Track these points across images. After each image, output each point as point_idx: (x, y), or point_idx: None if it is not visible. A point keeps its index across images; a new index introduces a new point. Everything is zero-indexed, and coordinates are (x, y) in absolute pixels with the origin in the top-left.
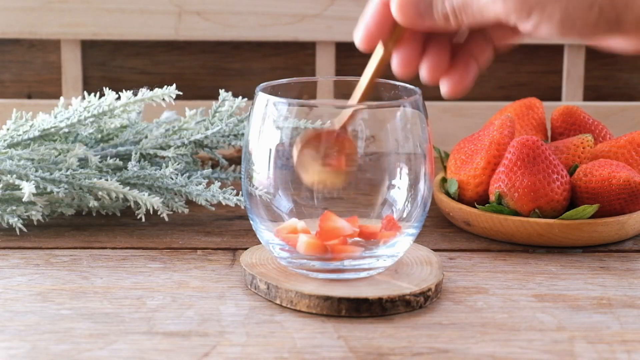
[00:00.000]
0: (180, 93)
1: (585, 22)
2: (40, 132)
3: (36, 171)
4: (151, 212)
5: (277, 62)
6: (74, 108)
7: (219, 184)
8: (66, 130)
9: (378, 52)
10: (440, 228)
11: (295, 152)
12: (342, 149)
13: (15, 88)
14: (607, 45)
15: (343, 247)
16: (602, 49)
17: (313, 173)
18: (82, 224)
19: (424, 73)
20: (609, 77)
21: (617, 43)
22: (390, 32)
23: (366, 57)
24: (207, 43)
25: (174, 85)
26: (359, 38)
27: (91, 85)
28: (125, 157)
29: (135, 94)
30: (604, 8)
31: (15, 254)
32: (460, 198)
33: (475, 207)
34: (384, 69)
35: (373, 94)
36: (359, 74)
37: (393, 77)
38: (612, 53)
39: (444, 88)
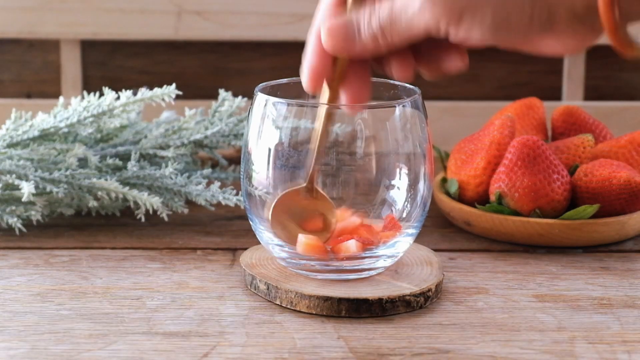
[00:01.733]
0: (180, 93)
1: (518, 22)
2: (39, 132)
3: (35, 171)
4: (151, 212)
5: (277, 62)
6: (74, 108)
7: (219, 184)
8: (66, 130)
9: (325, 92)
10: (440, 228)
11: (268, 216)
12: (316, 209)
13: (14, 88)
14: (540, 49)
15: (344, 247)
16: (536, 53)
17: (291, 237)
18: (81, 224)
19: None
20: (610, 77)
21: (550, 45)
22: (333, 67)
23: None
24: (207, 43)
25: (174, 85)
26: (305, 81)
27: (91, 85)
28: (125, 157)
29: (134, 94)
30: (535, 4)
31: (15, 254)
32: (460, 198)
33: (475, 207)
34: (335, 104)
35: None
36: (317, 112)
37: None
38: (545, 56)
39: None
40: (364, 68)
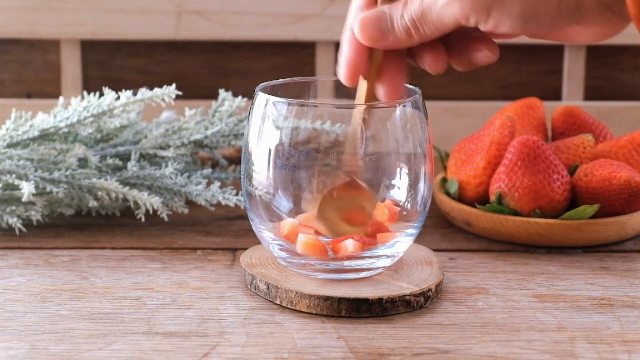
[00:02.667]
0: (180, 93)
1: (546, 12)
2: (39, 132)
3: (36, 171)
4: (151, 212)
5: (277, 62)
6: (74, 108)
7: (219, 183)
8: (66, 130)
9: (362, 86)
10: (440, 228)
11: (314, 210)
12: (361, 204)
13: (14, 88)
14: (570, 38)
15: (342, 246)
16: (567, 42)
17: (335, 230)
18: (81, 224)
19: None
20: (610, 77)
21: (580, 34)
22: (369, 61)
23: None
24: (207, 43)
25: (174, 85)
26: (342, 75)
27: (91, 85)
28: (125, 157)
29: (134, 94)
30: None
31: (15, 254)
32: (460, 198)
33: (475, 207)
34: (372, 99)
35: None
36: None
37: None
38: (578, 44)
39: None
40: (399, 61)
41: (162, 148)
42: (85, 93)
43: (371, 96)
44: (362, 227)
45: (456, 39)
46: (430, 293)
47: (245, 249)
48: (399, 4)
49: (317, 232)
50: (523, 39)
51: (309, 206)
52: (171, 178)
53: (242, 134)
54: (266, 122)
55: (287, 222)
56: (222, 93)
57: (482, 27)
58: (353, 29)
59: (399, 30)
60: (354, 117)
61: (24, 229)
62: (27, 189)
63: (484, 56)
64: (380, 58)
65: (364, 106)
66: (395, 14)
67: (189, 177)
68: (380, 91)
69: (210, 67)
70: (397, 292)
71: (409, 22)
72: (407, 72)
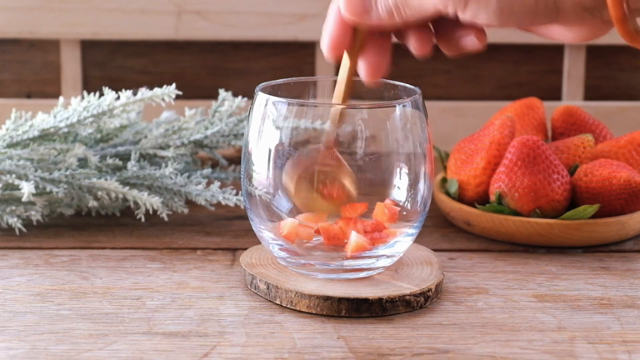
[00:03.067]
0: (180, 93)
1: (522, 9)
2: (39, 132)
3: (35, 171)
4: (151, 212)
5: (277, 62)
6: (74, 108)
7: (219, 183)
8: (66, 130)
9: (345, 62)
10: (440, 228)
11: (290, 183)
12: (335, 173)
13: (14, 88)
14: (550, 35)
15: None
16: (549, 39)
17: (310, 204)
18: (81, 224)
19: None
20: (610, 77)
21: (559, 32)
22: (353, 38)
23: None
24: (207, 43)
25: (174, 85)
26: (325, 48)
27: (91, 85)
28: (125, 157)
29: (134, 94)
30: None
31: (15, 254)
32: (460, 198)
33: (475, 207)
34: (353, 76)
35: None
36: (359, 74)
37: (392, 77)
38: (559, 42)
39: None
40: (384, 41)
41: (162, 148)
42: (85, 93)
43: (353, 73)
44: (339, 204)
45: (445, 23)
46: (430, 293)
47: (245, 249)
48: None
49: (317, 231)
50: (523, 39)
51: (288, 181)
52: (171, 178)
53: (242, 134)
54: (266, 122)
55: (287, 222)
56: (222, 93)
57: (461, 17)
58: (338, 4)
59: (382, 10)
60: (335, 94)
61: (24, 229)
62: (27, 189)
63: (472, 42)
64: (364, 35)
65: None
66: None
67: (189, 177)
68: (362, 68)
69: (210, 67)
70: (397, 292)
71: (392, 4)
72: (391, 53)
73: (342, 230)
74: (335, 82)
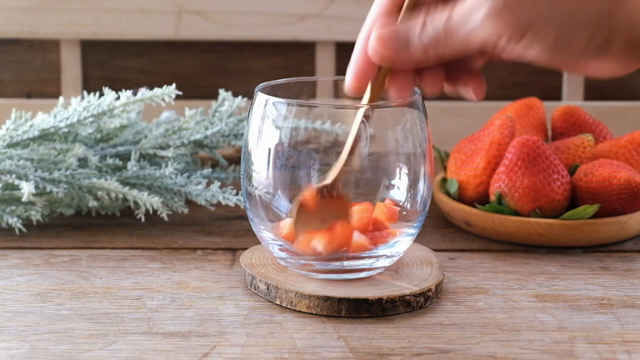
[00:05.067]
0: (180, 93)
1: (577, 43)
2: (39, 132)
3: (35, 171)
4: (151, 212)
5: (277, 62)
6: (74, 108)
7: (219, 183)
8: (66, 130)
9: (366, 94)
10: (440, 228)
11: (293, 214)
12: (339, 211)
13: (14, 88)
14: (585, 71)
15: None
16: (578, 74)
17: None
18: (81, 224)
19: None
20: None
21: (597, 67)
22: (377, 73)
23: None
24: (207, 43)
25: (174, 85)
26: (348, 83)
27: (91, 85)
28: (125, 157)
29: (134, 94)
30: (598, 27)
31: (15, 254)
32: (460, 198)
33: (475, 207)
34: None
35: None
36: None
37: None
38: (590, 77)
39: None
40: (409, 70)
41: (162, 148)
42: (85, 93)
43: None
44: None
45: (451, 67)
46: (430, 293)
47: (245, 249)
48: (419, 22)
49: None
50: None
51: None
52: (171, 178)
53: (242, 134)
54: (266, 122)
55: (287, 222)
56: (222, 93)
57: (507, 53)
58: (368, 43)
59: (415, 51)
60: (354, 118)
61: (24, 229)
62: (27, 189)
63: (469, 95)
64: (387, 71)
65: (366, 107)
66: (412, 32)
67: (189, 177)
68: (391, 94)
69: (210, 67)
70: (397, 292)
71: (428, 41)
72: (414, 75)
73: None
74: (335, 82)
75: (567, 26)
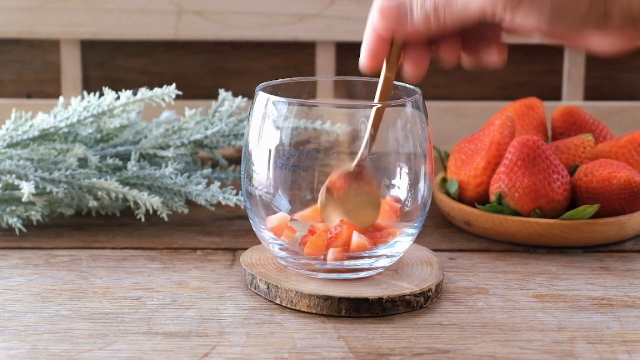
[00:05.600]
0: (180, 93)
1: (575, 14)
2: (39, 132)
3: (35, 171)
4: (151, 212)
5: (277, 62)
6: (74, 108)
7: (219, 183)
8: (66, 130)
9: (383, 73)
10: (440, 228)
11: (321, 198)
12: (367, 195)
13: (14, 88)
14: (588, 45)
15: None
16: (582, 50)
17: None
18: (81, 224)
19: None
20: (610, 77)
21: (598, 42)
22: (390, 49)
23: None
24: (207, 43)
25: (174, 85)
26: (363, 61)
27: (91, 85)
28: (125, 157)
29: (134, 94)
30: (595, 0)
31: (15, 254)
32: (460, 198)
33: (475, 207)
34: (391, 88)
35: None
36: (359, 74)
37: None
38: (593, 54)
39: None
40: (422, 44)
41: (162, 148)
42: (85, 93)
43: (389, 86)
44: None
45: (470, 37)
46: (430, 293)
47: (245, 249)
48: None
49: (311, 231)
50: (523, 39)
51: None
52: (171, 178)
53: (242, 134)
54: (266, 122)
55: (277, 216)
56: (222, 93)
57: (507, 23)
58: (373, 15)
59: (417, 19)
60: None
61: (24, 229)
62: (27, 189)
63: (492, 59)
64: (400, 47)
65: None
66: (414, 3)
67: (189, 177)
68: (406, 69)
69: (210, 67)
70: (397, 292)
71: (429, 10)
72: (429, 53)
73: (323, 242)
74: (335, 82)
75: None
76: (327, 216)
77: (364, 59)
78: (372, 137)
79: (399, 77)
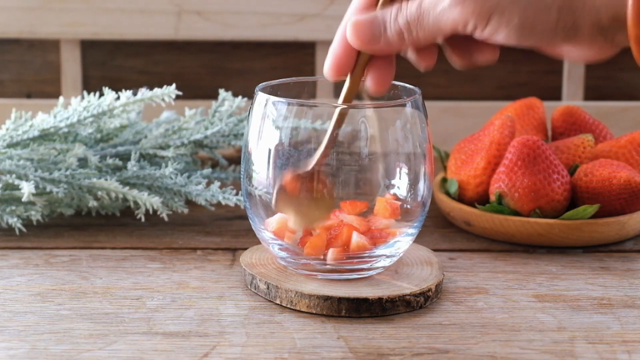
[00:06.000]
0: (180, 93)
1: (543, 27)
2: (39, 132)
3: (35, 171)
4: (151, 212)
5: (277, 62)
6: (74, 108)
7: (219, 183)
8: (66, 130)
9: (346, 83)
10: (440, 228)
11: (274, 197)
12: (318, 193)
13: (14, 88)
14: (560, 54)
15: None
16: (556, 57)
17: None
18: (81, 224)
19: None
20: (610, 77)
21: (571, 52)
22: (356, 61)
23: None
24: (207, 43)
25: (174, 85)
26: (327, 70)
27: (91, 85)
28: (125, 157)
29: (134, 94)
30: (562, 11)
31: (15, 254)
32: (460, 198)
33: (475, 207)
34: (352, 98)
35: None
36: (337, 98)
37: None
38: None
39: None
40: (389, 58)
41: (162, 148)
42: (85, 93)
43: (351, 95)
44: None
45: (459, 39)
46: (430, 293)
47: (245, 249)
48: (393, 8)
49: (307, 231)
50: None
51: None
52: (171, 178)
53: (242, 134)
54: (266, 122)
55: (275, 218)
56: (222, 93)
57: (477, 34)
58: (346, 30)
59: (391, 34)
60: (333, 116)
61: (24, 229)
62: (27, 189)
63: (484, 58)
64: (367, 59)
65: (345, 106)
66: (388, 18)
67: (189, 177)
68: (368, 82)
69: (210, 67)
70: (397, 292)
71: (402, 26)
72: (395, 68)
73: (323, 242)
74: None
75: (531, 11)
76: (280, 212)
77: (328, 68)
78: (333, 139)
79: (359, 91)
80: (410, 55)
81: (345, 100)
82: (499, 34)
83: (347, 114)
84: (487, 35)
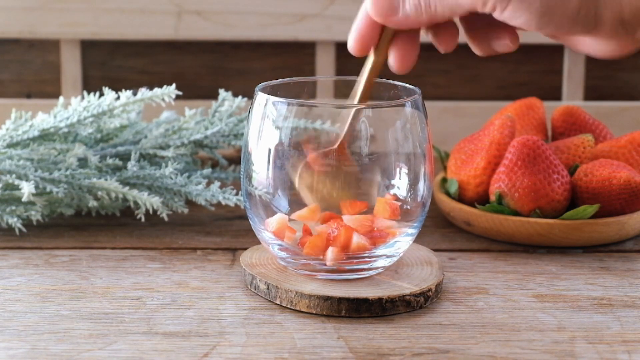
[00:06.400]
0: (180, 93)
1: (563, 15)
2: (39, 132)
3: (35, 171)
4: (151, 212)
5: (277, 62)
6: (74, 108)
7: (219, 183)
8: (66, 130)
9: (370, 59)
10: (440, 228)
11: (296, 176)
12: (339, 169)
13: (14, 88)
14: (579, 47)
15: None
16: (574, 49)
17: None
18: (81, 224)
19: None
20: (610, 77)
21: (589, 45)
22: (380, 35)
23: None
24: (207, 43)
25: (174, 85)
26: (351, 44)
27: (91, 85)
28: (125, 157)
29: (134, 94)
30: (584, 2)
31: (15, 254)
32: (460, 198)
33: (475, 207)
34: (377, 74)
35: (371, 95)
36: (359, 74)
37: (392, 77)
38: (588, 55)
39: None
40: (412, 34)
41: (162, 148)
42: (85, 93)
43: (377, 70)
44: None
45: (479, 24)
46: (430, 293)
47: (245, 249)
48: None
49: (306, 230)
50: (523, 39)
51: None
52: (171, 178)
53: (242, 134)
54: (266, 122)
55: (275, 218)
56: (222, 93)
57: (497, 15)
58: (366, 3)
59: (409, 7)
60: (354, 92)
61: (24, 229)
62: (27, 189)
63: (504, 45)
64: (391, 34)
65: (360, 105)
66: None
67: (189, 177)
68: (391, 60)
69: (210, 67)
70: (397, 292)
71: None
72: (419, 47)
73: (323, 242)
74: (335, 82)
75: None
76: (302, 191)
77: (352, 42)
78: (357, 117)
79: (385, 67)
80: (431, 37)
81: (371, 76)
82: (519, 17)
83: (372, 87)
84: (506, 18)
